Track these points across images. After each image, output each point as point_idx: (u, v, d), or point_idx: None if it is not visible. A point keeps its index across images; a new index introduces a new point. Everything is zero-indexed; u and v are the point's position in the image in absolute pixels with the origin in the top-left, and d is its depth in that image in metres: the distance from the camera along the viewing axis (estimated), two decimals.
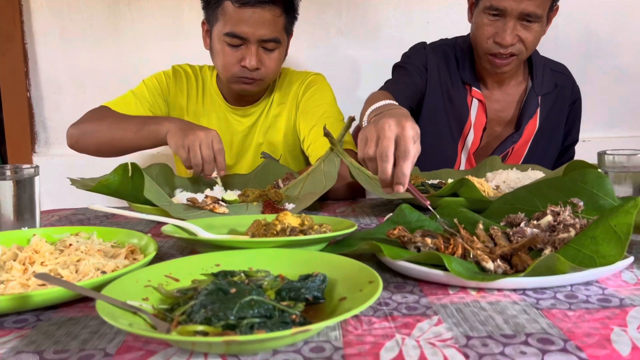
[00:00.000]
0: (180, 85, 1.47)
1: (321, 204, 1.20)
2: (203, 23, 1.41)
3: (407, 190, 0.81)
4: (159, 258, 0.78)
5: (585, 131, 2.01)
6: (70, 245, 0.77)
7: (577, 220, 0.76)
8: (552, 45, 1.99)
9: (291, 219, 0.79)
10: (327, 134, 1.10)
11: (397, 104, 1.01)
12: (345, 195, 1.27)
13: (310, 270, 0.61)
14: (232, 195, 1.02)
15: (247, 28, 1.28)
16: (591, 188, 0.83)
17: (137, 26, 1.89)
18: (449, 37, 1.58)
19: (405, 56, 1.55)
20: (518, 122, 1.50)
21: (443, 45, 1.53)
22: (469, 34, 1.48)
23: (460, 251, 0.71)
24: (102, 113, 1.35)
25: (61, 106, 1.94)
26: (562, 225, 0.76)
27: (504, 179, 1.08)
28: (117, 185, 0.98)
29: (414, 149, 0.79)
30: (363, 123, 1.02)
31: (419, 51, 1.52)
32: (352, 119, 1.14)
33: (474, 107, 1.49)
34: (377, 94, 1.28)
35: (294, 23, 1.42)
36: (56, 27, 1.90)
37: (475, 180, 1.06)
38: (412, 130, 0.79)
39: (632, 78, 2.01)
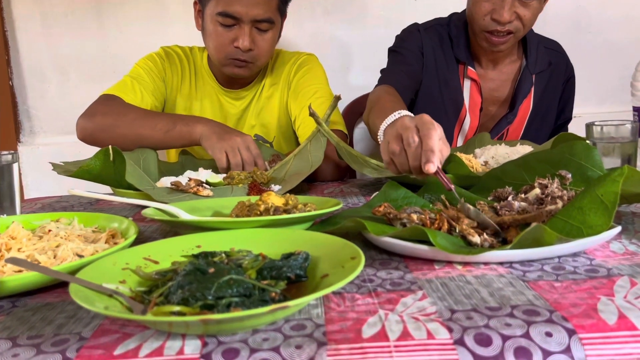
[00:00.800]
0: (174, 66, 1.44)
1: (309, 186, 1.19)
2: (195, 3, 1.37)
3: (435, 173, 0.77)
4: (140, 241, 0.77)
5: (577, 107, 1.99)
6: (50, 231, 0.76)
7: (564, 192, 0.75)
8: (540, 20, 1.94)
9: (275, 199, 0.77)
10: (312, 114, 1.09)
11: (407, 111, 0.96)
12: (333, 176, 1.26)
13: (293, 249, 0.60)
14: (216, 177, 1.00)
15: (240, 7, 1.25)
16: (579, 160, 0.82)
17: (120, 10, 1.85)
18: (438, 14, 1.56)
19: (399, 39, 1.51)
20: (512, 102, 1.48)
21: (436, 26, 1.50)
22: (464, 11, 1.45)
23: (446, 226, 0.70)
24: (118, 105, 1.28)
25: (45, 94, 1.91)
26: (549, 198, 0.75)
27: (493, 155, 1.07)
28: (98, 170, 0.96)
29: (436, 130, 0.79)
30: (379, 137, 0.99)
31: (413, 34, 1.48)
32: (338, 98, 1.13)
33: (467, 88, 1.46)
34: (382, 94, 1.24)
35: (287, 4, 1.39)
36: (37, 13, 1.86)
37: (463, 156, 1.05)
38: (430, 118, 0.82)
39: (622, 52, 2.00)
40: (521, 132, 1.51)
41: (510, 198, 0.79)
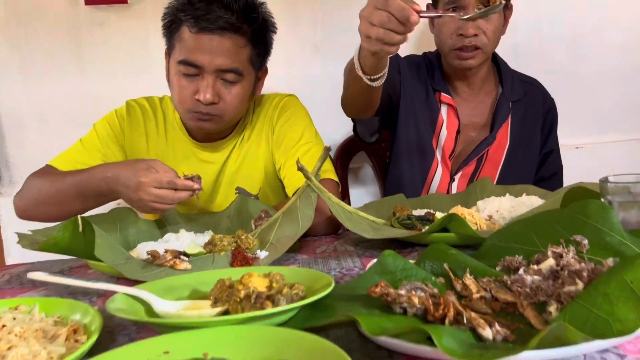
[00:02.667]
0: (137, 124, 1.33)
1: (300, 243, 1.10)
2: (165, 53, 1.29)
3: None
4: (106, 335, 0.68)
5: (578, 137, 1.94)
6: (4, 326, 0.67)
7: (583, 264, 0.67)
8: (537, 47, 1.92)
9: (257, 281, 0.69)
10: (300, 169, 1.01)
11: None
12: (326, 230, 1.17)
13: (277, 354, 0.52)
14: (195, 247, 0.91)
15: (202, 56, 1.15)
16: (595, 222, 0.74)
17: (101, 54, 1.79)
18: (430, 43, 1.57)
19: None
20: (492, 127, 1.50)
21: (412, 56, 1.59)
22: (436, 50, 1.53)
23: (452, 313, 0.61)
24: (44, 179, 1.18)
25: (24, 142, 1.83)
26: (566, 272, 0.66)
27: (497, 208, 0.99)
28: (67, 242, 0.88)
29: None
30: (355, 56, 1.14)
31: (391, 59, 1.49)
32: (327, 150, 1.05)
33: (444, 110, 1.51)
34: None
35: (265, 58, 1.30)
36: (15, 59, 1.79)
37: (465, 211, 0.97)
38: None
39: (620, 79, 1.94)
40: (502, 158, 1.50)
41: (521, 271, 0.71)
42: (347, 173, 1.94)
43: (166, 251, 0.86)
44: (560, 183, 1.56)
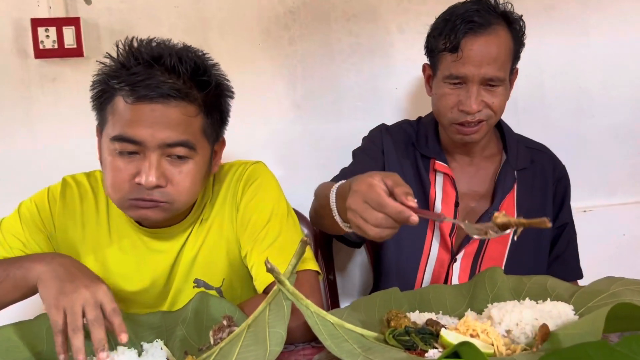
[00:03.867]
0: (71, 209, 1.10)
1: None
2: (97, 130, 1.06)
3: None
4: None
5: (585, 200, 1.78)
6: None
7: None
8: (539, 103, 1.76)
9: None
10: (270, 270, 0.81)
11: None
12: (305, 336, 0.94)
13: None
14: None
15: (142, 129, 0.94)
16: None
17: (53, 112, 1.59)
18: (421, 103, 1.49)
19: (363, 140, 1.44)
20: (493, 197, 1.33)
21: (403, 124, 1.43)
22: (431, 112, 1.35)
23: None
24: None
25: None
26: None
27: (517, 321, 0.79)
28: None
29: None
30: (331, 199, 1.00)
31: (375, 134, 1.42)
32: (305, 243, 0.85)
33: (439, 181, 1.33)
34: (328, 184, 1.12)
35: (222, 128, 1.09)
36: None
37: (478, 327, 0.76)
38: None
39: (630, 136, 1.78)
40: (510, 236, 1.26)
41: None
42: (332, 239, 1.74)
43: None
44: (575, 254, 1.39)
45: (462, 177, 1.34)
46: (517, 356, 0.71)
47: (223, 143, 1.13)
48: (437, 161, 1.33)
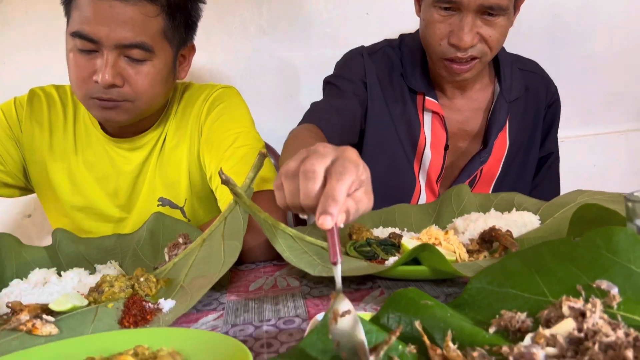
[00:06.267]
0: (39, 116, 1.09)
1: (231, 274, 0.86)
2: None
3: (329, 232, 0.53)
4: None
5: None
6: None
7: (620, 332, 0.45)
8: (511, 32, 1.70)
9: None
10: (225, 181, 0.76)
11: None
12: (266, 255, 0.92)
13: None
14: (66, 300, 0.65)
15: (99, 27, 0.91)
16: (627, 262, 0.53)
17: (1, 36, 1.49)
18: (394, 31, 1.31)
19: (338, 67, 1.25)
20: (486, 137, 1.21)
21: (386, 48, 1.23)
22: (417, 31, 1.18)
23: None
24: None
25: None
26: (597, 345, 0.44)
27: (481, 228, 0.76)
28: None
29: (354, 173, 0.55)
30: None
31: (354, 60, 1.22)
32: (263, 156, 0.81)
33: (427, 121, 1.19)
34: (302, 131, 1.00)
35: (190, 32, 1.05)
36: None
37: (440, 235, 0.74)
38: (355, 155, 0.57)
39: (605, 66, 1.75)
40: (498, 171, 1.23)
41: (527, 339, 0.49)
42: None
43: (23, 309, 0.60)
44: (555, 187, 1.32)
45: (452, 115, 1.20)
46: (480, 262, 0.69)
47: (192, 49, 1.10)
48: (426, 97, 1.18)
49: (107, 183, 1.10)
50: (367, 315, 0.57)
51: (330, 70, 1.34)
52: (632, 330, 0.45)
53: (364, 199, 0.57)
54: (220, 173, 0.76)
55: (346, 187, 0.54)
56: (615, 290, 0.51)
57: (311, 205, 0.55)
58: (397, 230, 0.87)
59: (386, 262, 0.73)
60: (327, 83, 1.24)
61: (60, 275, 0.78)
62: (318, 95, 1.26)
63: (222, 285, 0.80)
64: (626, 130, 1.81)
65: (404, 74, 1.19)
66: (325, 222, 0.51)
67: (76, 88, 0.98)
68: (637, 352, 0.43)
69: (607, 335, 0.45)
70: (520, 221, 0.77)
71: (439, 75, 1.16)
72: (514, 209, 0.85)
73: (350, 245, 0.79)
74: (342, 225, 0.54)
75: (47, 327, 0.59)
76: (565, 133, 1.77)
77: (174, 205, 1.10)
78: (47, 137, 1.10)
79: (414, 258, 0.70)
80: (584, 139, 1.78)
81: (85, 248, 0.91)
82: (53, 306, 0.61)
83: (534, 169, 1.28)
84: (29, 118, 1.09)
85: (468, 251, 0.73)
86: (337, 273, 0.51)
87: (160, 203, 1.09)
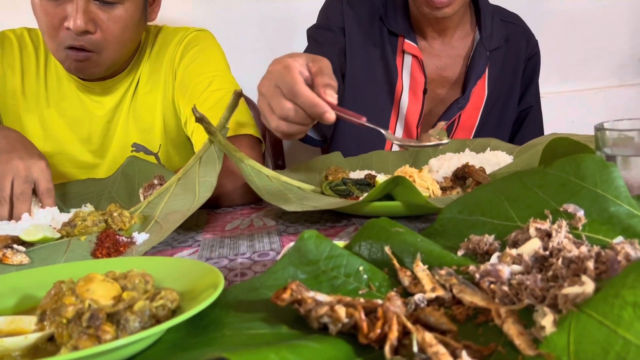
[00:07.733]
0: (10, 59, 1.07)
1: (208, 217, 0.86)
2: None
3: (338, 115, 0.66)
4: None
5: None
6: None
7: (583, 248, 0.46)
8: None
9: (99, 288, 0.45)
10: (199, 119, 0.76)
11: None
12: (244, 198, 0.92)
13: None
14: (36, 231, 0.64)
15: None
16: (593, 186, 0.53)
17: None
18: None
19: (319, 15, 1.26)
20: (465, 85, 1.21)
21: None
22: None
23: (395, 333, 0.39)
24: None
25: None
26: (560, 260, 0.46)
27: (455, 166, 0.77)
28: None
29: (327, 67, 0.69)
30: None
31: (334, 6, 1.22)
32: (238, 95, 0.80)
33: (407, 64, 1.19)
34: None
35: None
36: None
37: (415, 173, 0.75)
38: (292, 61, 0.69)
39: (585, 22, 1.75)
40: (476, 120, 1.24)
41: (494, 257, 0.50)
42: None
43: None
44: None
45: (431, 60, 1.20)
46: (453, 196, 0.70)
47: None
48: (405, 40, 1.18)
49: (80, 128, 1.08)
50: (340, 243, 0.58)
51: (309, 23, 1.32)
52: (595, 246, 0.47)
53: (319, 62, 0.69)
54: (194, 110, 0.75)
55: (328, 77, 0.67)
56: (581, 213, 0.52)
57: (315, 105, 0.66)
58: (373, 172, 0.87)
59: (360, 199, 0.74)
60: (309, 35, 1.24)
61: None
62: (297, 48, 1.25)
63: (198, 225, 0.80)
64: (604, 87, 1.82)
65: (384, 17, 1.19)
66: (328, 117, 0.65)
67: (48, 38, 0.95)
68: (598, 265, 0.44)
69: (570, 251, 0.46)
70: (494, 160, 0.78)
71: (420, 15, 1.16)
72: (489, 149, 0.86)
73: (326, 185, 0.80)
74: (336, 96, 0.67)
75: (17, 257, 0.58)
76: (545, 89, 1.77)
77: (148, 151, 1.09)
78: (19, 81, 1.07)
79: (388, 196, 0.71)
80: (562, 95, 1.79)
81: (60, 192, 0.90)
82: (23, 236, 0.61)
83: (513, 120, 1.29)
84: (0, 61, 1.06)
85: (442, 188, 0.74)
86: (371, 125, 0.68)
87: (134, 149, 1.07)
